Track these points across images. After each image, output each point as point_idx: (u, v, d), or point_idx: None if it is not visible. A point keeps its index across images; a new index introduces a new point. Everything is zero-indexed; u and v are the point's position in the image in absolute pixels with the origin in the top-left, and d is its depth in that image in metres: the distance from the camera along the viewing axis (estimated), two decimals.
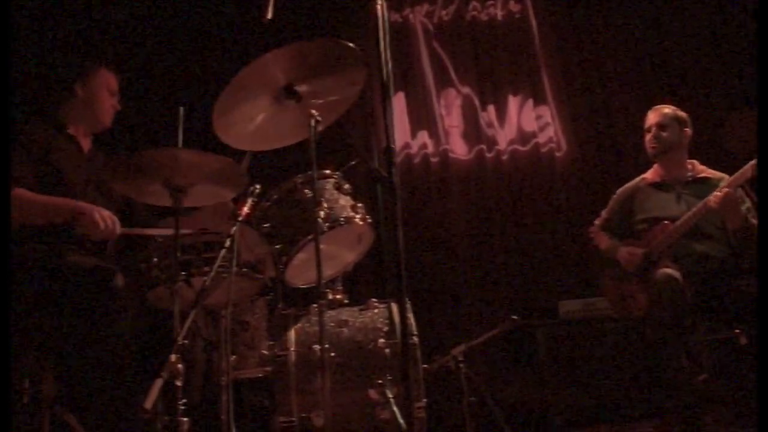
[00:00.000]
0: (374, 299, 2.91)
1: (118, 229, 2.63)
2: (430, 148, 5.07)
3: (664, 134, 3.56)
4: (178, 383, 2.07)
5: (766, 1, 2.85)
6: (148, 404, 1.89)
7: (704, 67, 5.14)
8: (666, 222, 3.39)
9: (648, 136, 3.62)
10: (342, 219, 2.66)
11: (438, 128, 5.11)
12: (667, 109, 3.63)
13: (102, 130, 3.06)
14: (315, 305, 2.72)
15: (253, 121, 2.44)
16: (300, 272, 2.80)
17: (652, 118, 3.63)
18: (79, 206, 2.63)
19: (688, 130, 3.60)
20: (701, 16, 5.23)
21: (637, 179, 3.71)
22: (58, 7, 4.76)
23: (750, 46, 4.89)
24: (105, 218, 2.59)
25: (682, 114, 3.62)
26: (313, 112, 2.36)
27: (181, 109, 2.75)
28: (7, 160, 2.48)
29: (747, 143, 4.17)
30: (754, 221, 3.23)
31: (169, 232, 2.48)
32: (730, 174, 3.29)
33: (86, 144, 3.01)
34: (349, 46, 2.33)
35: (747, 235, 3.24)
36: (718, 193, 3.20)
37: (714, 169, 3.59)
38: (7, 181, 2.49)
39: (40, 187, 2.72)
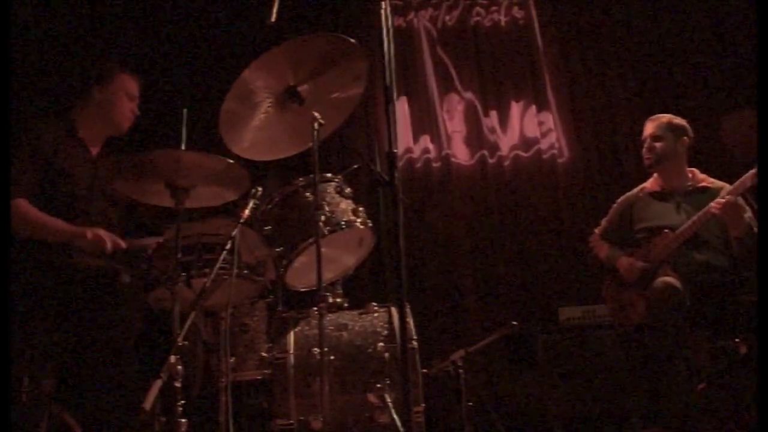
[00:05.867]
0: (374, 303, 2.91)
1: (121, 244, 2.63)
2: (433, 153, 5.07)
3: (658, 145, 3.56)
4: (177, 384, 2.08)
5: (766, 2, 2.85)
6: (147, 405, 1.89)
7: (706, 73, 5.14)
8: (666, 231, 3.39)
9: (643, 148, 3.62)
10: (343, 223, 2.67)
11: (440, 133, 5.10)
12: (663, 119, 3.61)
13: (119, 135, 3.05)
14: (315, 308, 2.72)
15: (258, 130, 2.46)
16: (300, 275, 2.81)
17: (647, 129, 3.63)
18: (74, 232, 2.63)
19: (686, 139, 3.58)
20: (704, 23, 5.23)
21: (637, 189, 3.72)
22: (62, 7, 4.77)
23: (750, 47, 4.89)
24: (102, 238, 2.59)
25: (679, 122, 3.61)
26: (316, 115, 2.37)
27: (185, 110, 2.76)
28: (7, 161, 2.49)
29: (745, 143, 4.17)
30: (756, 230, 3.23)
31: (159, 239, 2.50)
32: (731, 182, 3.29)
33: (95, 149, 3.00)
34: (348, 40, 2.34)
35: (750, 243, 3.23)
36: (721, 200, 3.20)
37: (714, 173, 3.59)
38: (7, 182, 2.49)
39: (45, 190, 2.72)
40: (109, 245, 2.59)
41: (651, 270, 3.37)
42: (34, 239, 2.64)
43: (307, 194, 2.67)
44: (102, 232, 2.61)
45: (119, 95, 2.98)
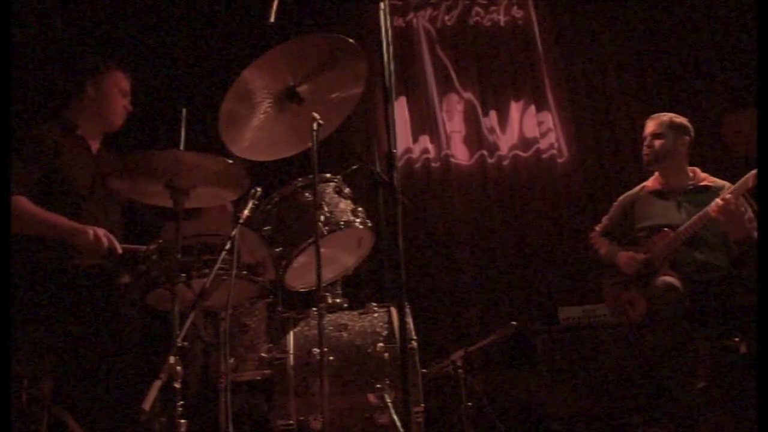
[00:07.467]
0: (374, 303, 2.91)
1: (118, 248, 2.61)
2: (432, 153, 5.08)
3: (657, 143, 3.56)
4: (177, 385, 2.07)
5: (766, 2, 2.84)
6: (147, 405, 1.89)
7: (705, 72, 5.15)
8: (666, 229, 3.39)
9: (643, 146, 3.62)
10: (342, 223, 2.66)
11: (440, 133, 5.11)
12: (664, 118, 3.61)
13: (113, 131, 3.05)
14: (314, 309, 2.72)
15: (257, 130, 2.45)
16: (300, 275, 2.80)
17: (648, 127, 3.64)
18: (75, 228, 2.61)
19: (687, 138, 3.58)
20: (703, 22, 5.24)
21: (638, 187, 3.72)
22: (63, 7, 4.77)
23: (751, 46, 4.90)
24: (101, 238, 2.58)
25: (680, 121, 3.60)
26: (315, 115, 2.37)
27: (184, 110, 2.75)
28: (7, 160, 2.49)
29: (745, 143, 4.17)
30: (755, 233, 3.21)
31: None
32: (732, 181, 3.29)
33: (95, 145, 3.00)
34: (347, 40, 2.34)
35: (749, 245, 3.22)
36: (719, 201, 3.18)
37: (715, 171, 3.59)
38: (7, 182, 2.49)
39: (47, 189, 2.71)
40: (105, 245, 2.58)
41: (651, 266, 3.38)
42: (33, 236, 2.64)
43: (307, 194, 2.67)
44: (102, 232, 2.61)
45: (112, 92, 2.99)
